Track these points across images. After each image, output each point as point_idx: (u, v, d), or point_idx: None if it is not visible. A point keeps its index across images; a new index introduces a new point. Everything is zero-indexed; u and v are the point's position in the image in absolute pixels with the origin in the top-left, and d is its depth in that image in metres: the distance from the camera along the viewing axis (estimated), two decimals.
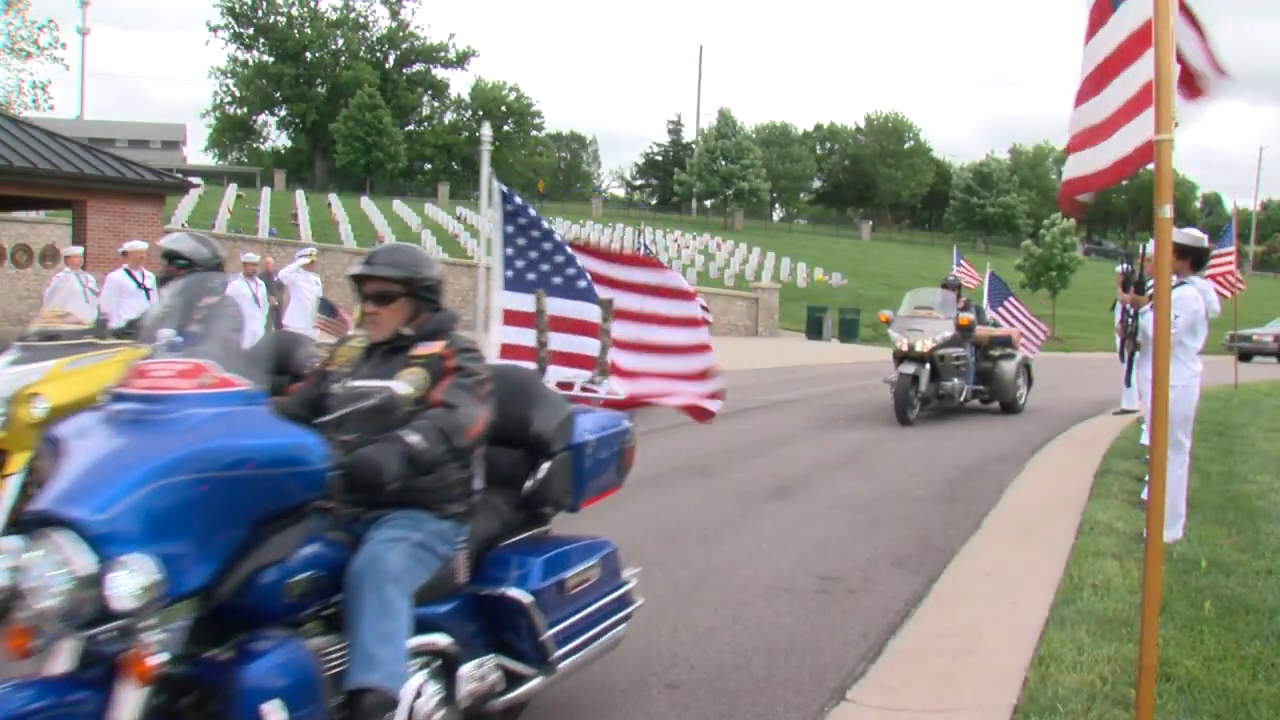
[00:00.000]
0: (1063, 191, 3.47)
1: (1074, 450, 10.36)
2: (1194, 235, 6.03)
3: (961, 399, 12.60)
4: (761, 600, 5.17)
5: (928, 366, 12.03)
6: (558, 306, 5.37)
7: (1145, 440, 6.84)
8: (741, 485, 8.15)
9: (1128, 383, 10.75)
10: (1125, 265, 6.96)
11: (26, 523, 2.22)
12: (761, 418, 12.67)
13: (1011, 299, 16.22)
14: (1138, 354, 6.66)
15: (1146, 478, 3.69)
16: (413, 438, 2.80)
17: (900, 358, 12.13)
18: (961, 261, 30.90)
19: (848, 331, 33.25)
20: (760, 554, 6.08)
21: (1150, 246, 5.43)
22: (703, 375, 5.48)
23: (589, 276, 5.44)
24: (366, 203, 53.22)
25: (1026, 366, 13.82)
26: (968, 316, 12.54)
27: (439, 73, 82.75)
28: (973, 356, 12.92)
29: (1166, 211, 3.06)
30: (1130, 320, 6.71)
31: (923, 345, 11.89)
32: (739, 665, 4.26)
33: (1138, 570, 4.99)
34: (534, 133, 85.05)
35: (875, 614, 4.97)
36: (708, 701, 3.88)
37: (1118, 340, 10.41)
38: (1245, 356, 31.92)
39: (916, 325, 12.25)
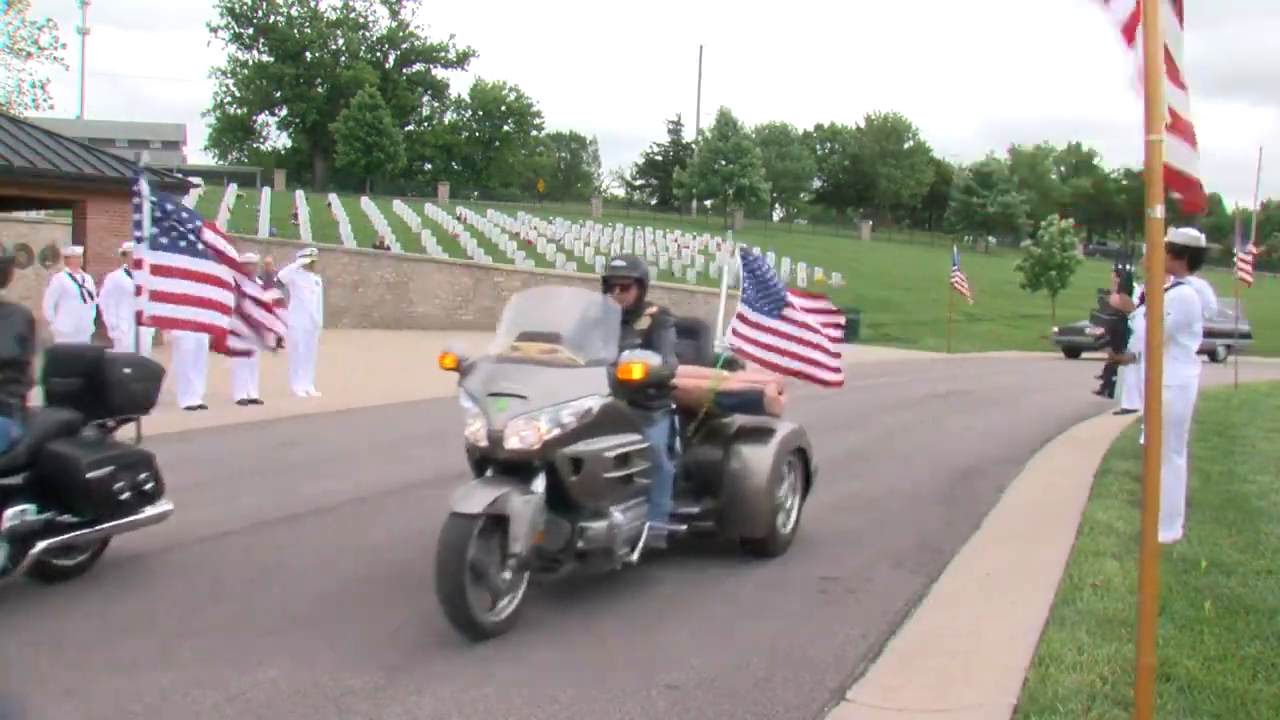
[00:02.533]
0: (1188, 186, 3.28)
1: (1074, 450, 10.36)
2: (1191, 235, 6.02)
3: (634, 554, 5.14)
4: (761, 600, 5.18)
5: (540, 485, 4.69)
6: None
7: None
8: None
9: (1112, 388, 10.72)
10: (1120, 264, 6.95)
11: None
12: None
13: (791, 300, 7.72)
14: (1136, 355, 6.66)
15: None
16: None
17: (479, 463, 4.87)
18: (957, 271, 30.63)
19: (847, 332, 33.13)
20: None
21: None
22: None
23: None
24: (366, 203, 53.18)
25: (800, 450, 6.40)
26: (646, 362, 4.92)
27: (439, 73, 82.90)
28: (674, 442, 5.67)
29: (1158, 211, 3.07)
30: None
31: (518, 439, 4.62)
32: (739, 665, 4.26)
33: (1138, 570, 4.99)
34: (534, 133, 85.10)
35: (875, 614, 4.97)
36: (708, 701, 3.88)
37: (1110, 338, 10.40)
38: (1072, 352, 28.79)
39: (510, 383, 4.79)
